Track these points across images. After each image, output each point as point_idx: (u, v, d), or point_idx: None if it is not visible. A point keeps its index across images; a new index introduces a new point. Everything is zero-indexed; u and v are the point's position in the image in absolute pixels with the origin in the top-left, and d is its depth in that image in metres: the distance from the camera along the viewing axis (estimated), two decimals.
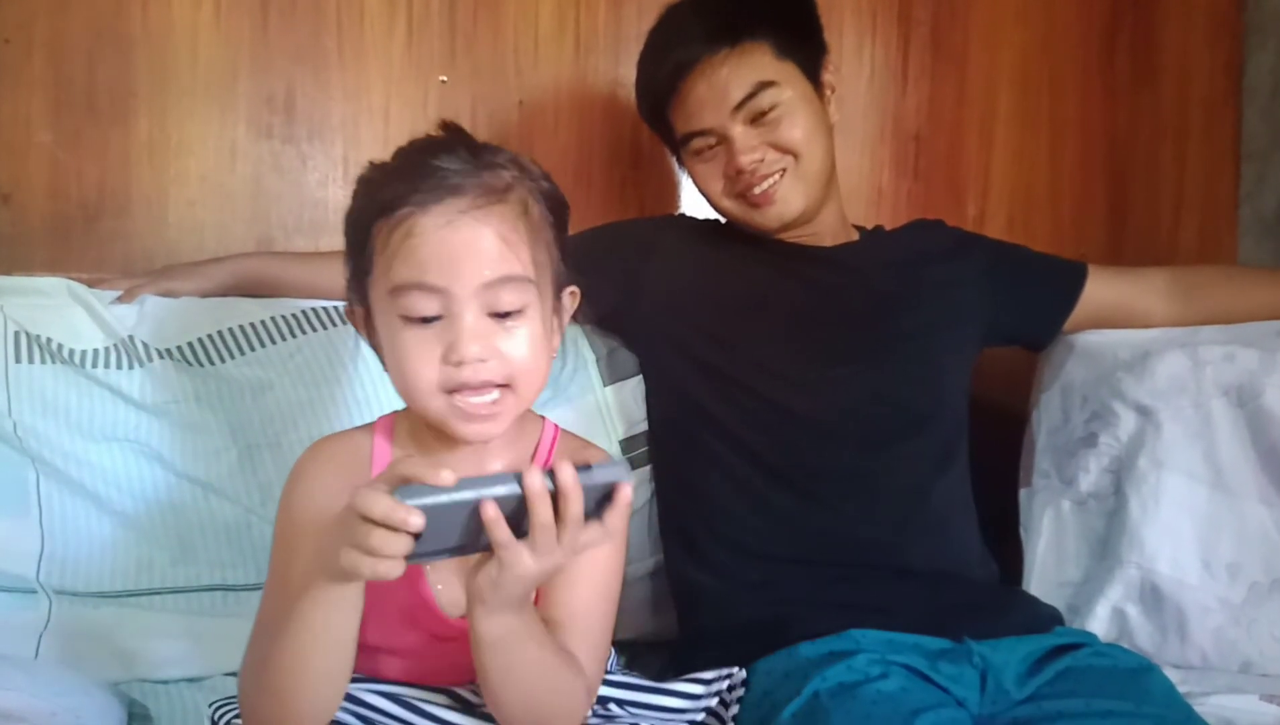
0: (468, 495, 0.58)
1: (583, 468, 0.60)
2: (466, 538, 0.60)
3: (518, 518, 0.60)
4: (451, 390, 0.69)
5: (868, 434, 1.04)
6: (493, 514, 0.59)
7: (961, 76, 1.51)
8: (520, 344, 0.70)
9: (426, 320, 0.69)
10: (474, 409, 0.70)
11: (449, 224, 0.68)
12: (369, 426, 0.79)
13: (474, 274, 0.68)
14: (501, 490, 0.59)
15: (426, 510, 0.57)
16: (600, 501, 0.61)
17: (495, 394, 0.70)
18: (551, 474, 0.60)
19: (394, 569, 0.58)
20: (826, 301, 1.10)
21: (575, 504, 0.60)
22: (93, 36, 1.24)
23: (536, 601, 0.73)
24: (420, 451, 0.76)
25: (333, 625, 0.64)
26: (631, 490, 0.61)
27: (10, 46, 1.22)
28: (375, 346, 0.76)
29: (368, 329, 0.75)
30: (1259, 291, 1.19)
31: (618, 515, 0.61)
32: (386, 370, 0.74)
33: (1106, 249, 1.57)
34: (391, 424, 0.79)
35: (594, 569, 0.74)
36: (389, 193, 0.69)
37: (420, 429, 0.77)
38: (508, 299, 0.69)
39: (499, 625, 0.64)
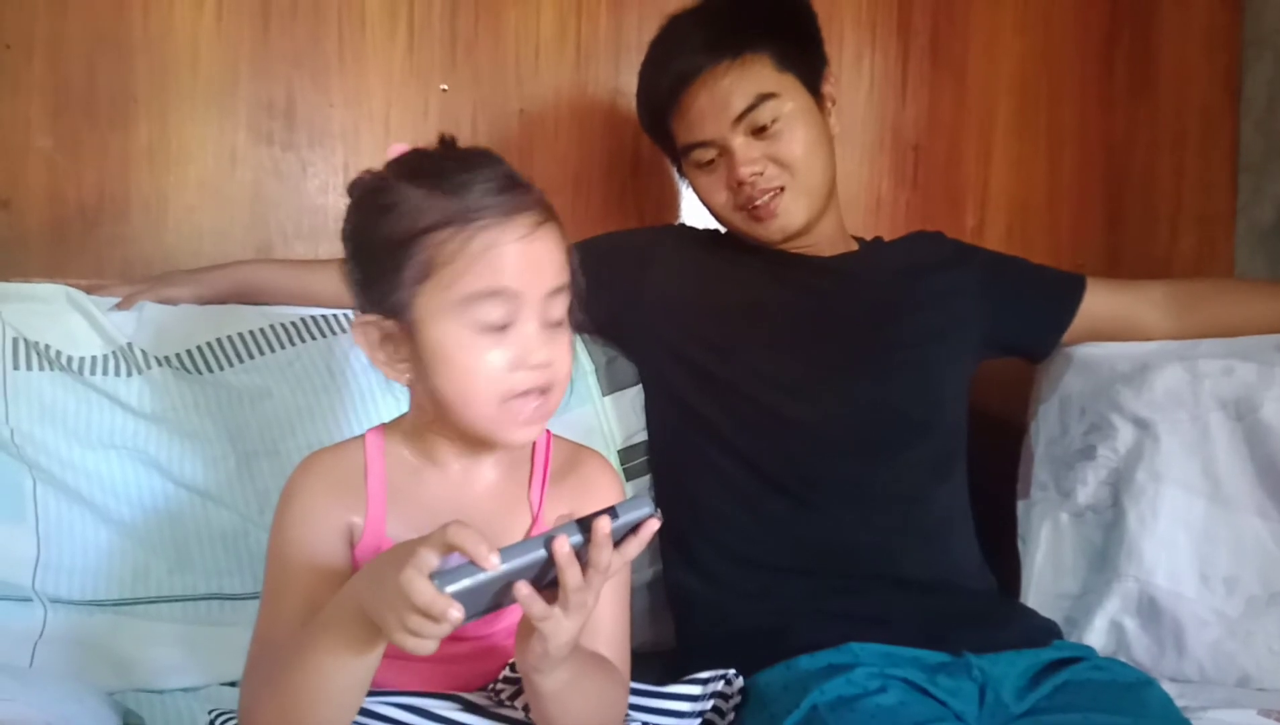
0: (504, 570, 0.59)
1: (609, 512, 0.61)
2: (496, 600, 0.62)
3: (544, 571, 0.61)
4: (508, 398, 0.72)
5: (866, 442, 1.04)
6: (526, 593, 0.61)
7: (960, 87, 1.52)
8: (565, 351, 0.75)
9: (496, 329, 0.72)
10: (525, 413, 0.73)
11: (526, 236, 0.72)
12: (359, 439, 0.79)
13: (543, 283, 0.73)
14: (533, 558, 0.60)
15: (464, 593, 0.58)
16: (624, 535, 0.63)
17: (539, 399, 0.73)
18: (578, 525, 0.61)
19: (430, 649, 0.60)
20: (824, 309, 1.10)
21: (605, 555, 0.62)
22: (93, 41, 1.24)
23: None
24: (417, 460, 0.78)
25: (355, 665, 0.66)
26: (659, 523, 0.63)
27: (10, 52, 1.22)
28: (390, 362, 0.75)
29: (387, 344, 0.74)
30: (1256, 304, 1.19)
31: (637, 545, 0.63)
32: (411, 384, 0.75)
33: (1104, 259, 1.57)
34: (382, 435, 0.79)
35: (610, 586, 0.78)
36: (453, 205, 0.71)
37: (419, 439, 0.78)
38: (558, 308, 0.74)
39: (556, 681, 0.67)
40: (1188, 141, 1.59)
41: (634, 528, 0.62)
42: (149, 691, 0.95)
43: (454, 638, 0.74)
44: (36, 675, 0.89)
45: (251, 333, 1.08)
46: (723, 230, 1.16)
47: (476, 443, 0.77)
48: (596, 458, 0.84)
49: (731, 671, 0.87)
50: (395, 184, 0.73)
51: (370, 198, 0.74)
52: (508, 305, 0.71)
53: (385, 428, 0.80)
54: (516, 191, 0.73)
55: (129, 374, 1.02)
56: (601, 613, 0.76)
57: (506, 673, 0.77)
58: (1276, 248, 1.54)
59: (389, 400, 1.07)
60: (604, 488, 0.82)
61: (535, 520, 0.79)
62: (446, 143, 0.76)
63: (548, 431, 0.82)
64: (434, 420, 0.76)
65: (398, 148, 0.75)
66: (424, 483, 0.78)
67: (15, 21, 1.22)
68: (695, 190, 1.14)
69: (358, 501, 0.76)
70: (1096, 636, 1.09)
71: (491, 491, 0.79)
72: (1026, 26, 1.53)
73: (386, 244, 0.72)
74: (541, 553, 0.60)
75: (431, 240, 0.71)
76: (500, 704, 0.76)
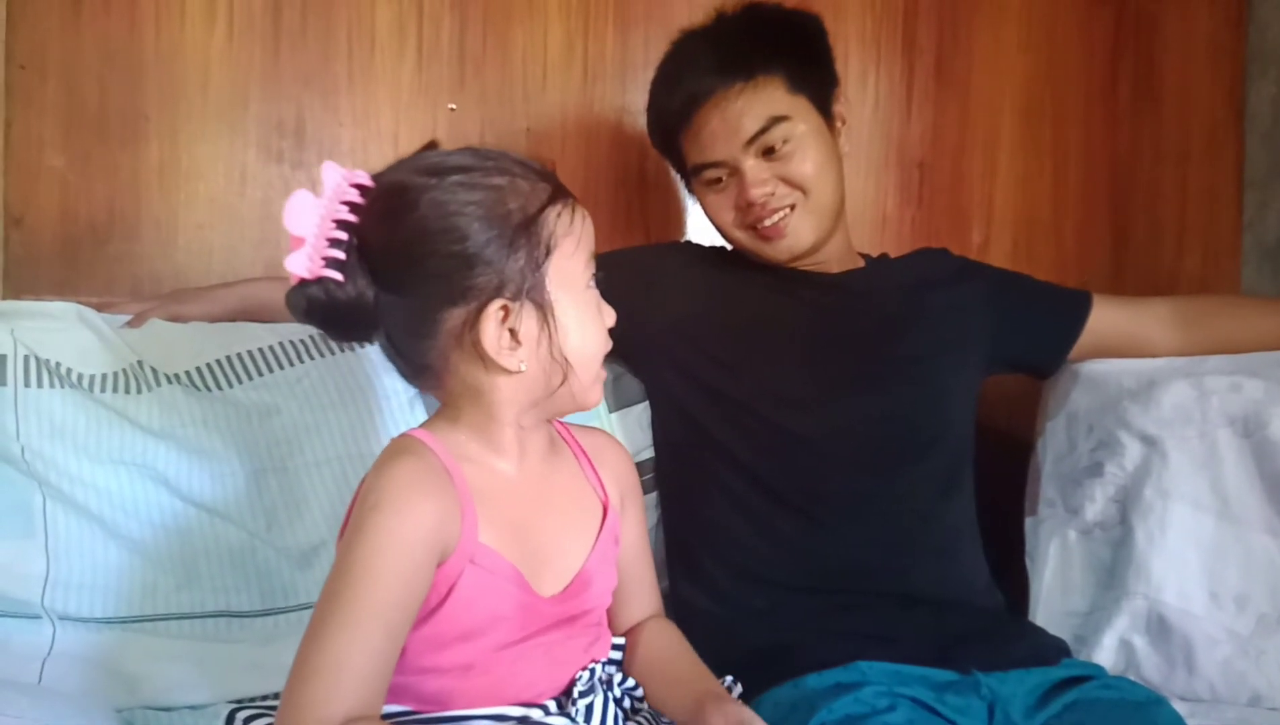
0: None
1: None
2: None
3: None
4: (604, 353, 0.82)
5: (873, 457, 1.04)
6: None
7: (965, 104, 1.52)
8: None
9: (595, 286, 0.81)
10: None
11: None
12: (418, 442, 0.77)
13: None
14: None
15: None
16: None
17: None
18: None
19: None
20: (831, 325, 1.11)
21: None
22: (105, 61, 1.25)
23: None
24: (487, 458, 0.79)
25: None
26: None
27: (24, 72, 1.23)
28: (513, 344, 0.75)
29: (516, 327, 0.74)
30: (1263, 321, 1.19)
31: None
32: (559, 350, 0.76)
33: (1109, 275, 1.57)
34: (437, 437, 0.78)
35: (645, 532, 0.92)
36: (545, 183, 0.77)
37: (474, 437, 0.78)
38: None
39: None
40: (1192, 157, 1.59)
41: None
42: (157, 709, 0.94)
43: (544, 625, 0.78)
44: (45, 693, 0.89)
45: (261, 350, 1.08)
46: (729, 247, 1.17)
47: (538, 427, 0.81)
48: (608, 437, 0.92)
49: (729, 679, 0.87)
50: (495, 168, 0.75)
51: (476, 181, 0.74)
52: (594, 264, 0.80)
53: (429, 431, 0.78)
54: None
55: (139, 391, 1.02)
56: (644, 571, 0.90)
57: (580, 687, 0.79)
58: None
59: (396, 415, 1.07)
60: (630, 467, 0.91)
61: (607, 508, 0.85)
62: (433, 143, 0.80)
63: (561, 424, 0.87)
64: (523, 408, 0.78)
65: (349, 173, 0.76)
66: (498, 479, 0.78)
67: (29, 42, 1.23)
68: (703, 208, 1.14)
69: (453, 511, 0.74)
70: (1105, 655, 1.09)
71: (558, 481, 0.82)
72: (1030, 44, 1.54)
73: (512, 225, 0.74)
74: None
75: (550, 214, 0.76)
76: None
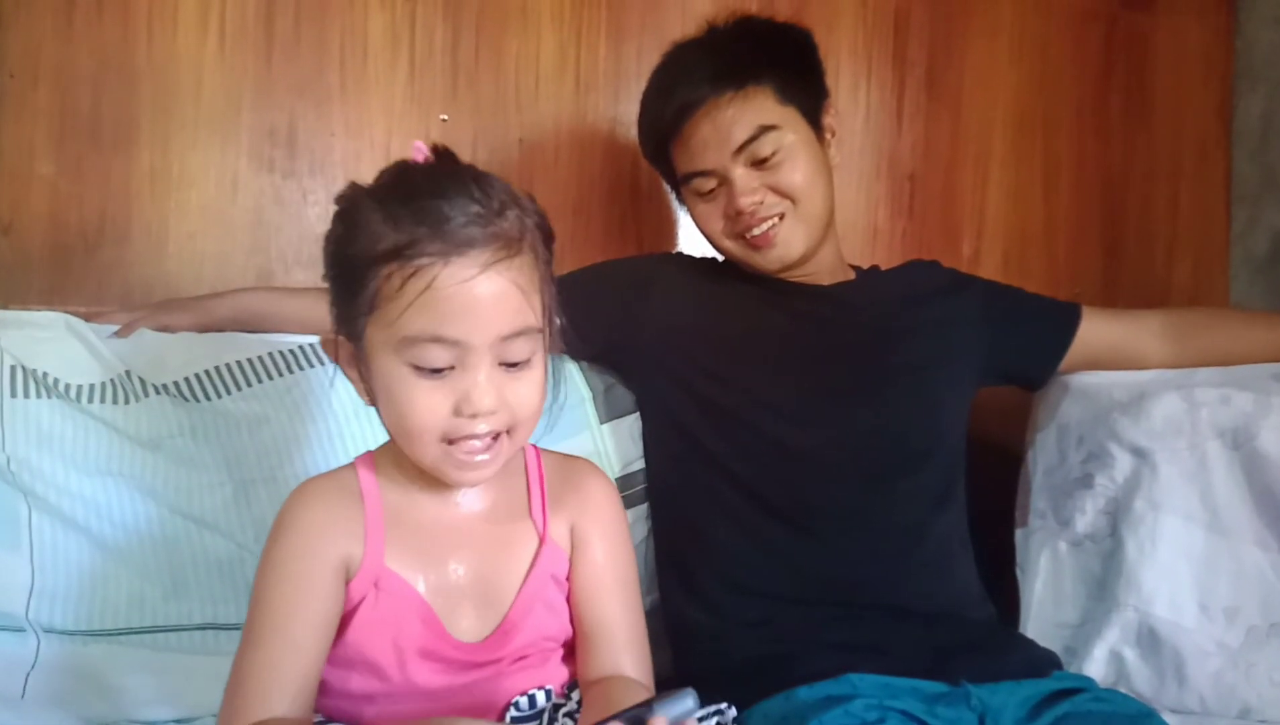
0: None
1: (648, 704, 0.62)
2: None
3: None
4: (453, 440, 0.70)
5: (866, 470, 1.04)
6: None
7: (956, 117, 1.53)
8: (528, 392, 0.72)
9: (437, 371, 0.69)
10: (470, 459, 0.71)
11: (470, 279, 0.67)
12: (350, 467, 0.79)
13: (491, 328, 0.68)
14: None
15: None
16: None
17: (488, 443, 0.71)
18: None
19: None
20: (823, 337, 1.11)
21: None
22: (97, 68, 1.25)
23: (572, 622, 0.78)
24: (411, 485, 0.77)
25: None
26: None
27: (15, 79, 1.23)
28: (360, 381, 0.75)
29: (355, 365, 0.74)
30: (1252, 334, 1.20)
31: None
32: (376, 407, 0.74)
33: (1101, 287, 1.58)
34: (373, 461, 0.79)
35: (622, 575, 0.80)
36: (402, 236, 0.67)
37: (407, 465, 0.76)
38: (519, 350, 0.70)
39: None
40: (1182, 172, 1.61)
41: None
42: (142, 722, 0.93)
43: (466, 658, 0.74)
44: (28, 706, 0.88)
45: (250, 360, 1.08)
46: (721, 258, 1.17)
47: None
48: (589, 468, 0.84)
49: (725, 705, 0.86)
50: (364, 202, 0.70)
51: (340, 215, 0.73)
52: (450, 351, 0.67)
53: (375, 454, 0.80)
54: (475, 224, 0.67)
55: (127, 401, 1.01)
56: (614, 618, 0.77)
57: (514, 713, 0.76)
58: (1271, 277, 1.55)
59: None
60: (603, 501, 0.82)
61: (543, 541, 0.78)
62: (440, 154, 0.73)
63: (535, 449, 0.83)
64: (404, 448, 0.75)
65: (420, 147, 0.73)
66: (421, 508, 0.77)
67: (22, 49, 1.23)
68: (693, 217, 1.14)
69: (355, 530, 0.75)
70: (1096, 667, 1.09)
71: (492, 513, 0.78)
72: (1022, 58, 1.55)
73: (347, 266, 0.71)
74: None
75: (380, 272, 0.68)
76: None
